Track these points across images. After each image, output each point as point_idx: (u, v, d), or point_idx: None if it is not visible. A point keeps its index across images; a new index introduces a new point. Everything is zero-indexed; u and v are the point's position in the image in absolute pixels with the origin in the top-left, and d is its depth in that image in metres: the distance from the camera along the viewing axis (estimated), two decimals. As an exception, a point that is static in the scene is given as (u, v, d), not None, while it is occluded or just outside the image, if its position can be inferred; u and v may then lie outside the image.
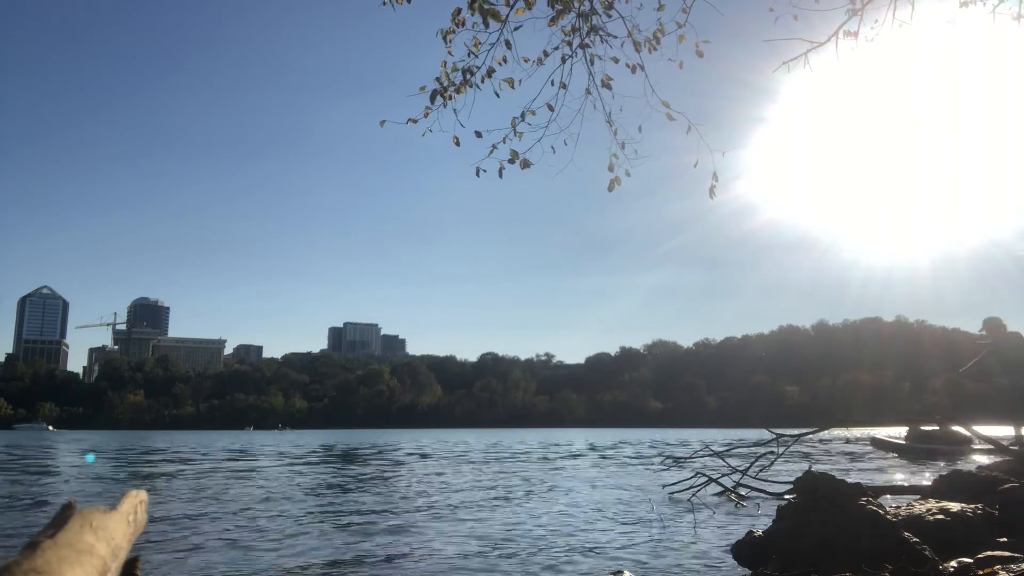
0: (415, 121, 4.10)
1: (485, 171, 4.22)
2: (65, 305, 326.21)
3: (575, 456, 12.39)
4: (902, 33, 3.91)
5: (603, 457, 12.06)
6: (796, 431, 5.66)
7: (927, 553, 2.21)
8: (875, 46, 4.02)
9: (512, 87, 4.07)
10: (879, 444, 12.47)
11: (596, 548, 3.09)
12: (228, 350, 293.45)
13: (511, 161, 4.17)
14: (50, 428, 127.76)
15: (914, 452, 11.62)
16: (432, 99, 4.07)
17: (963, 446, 11.83)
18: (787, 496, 3.79)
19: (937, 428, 13.15)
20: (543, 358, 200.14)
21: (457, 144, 4.09)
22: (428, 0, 3.99)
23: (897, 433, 13.30)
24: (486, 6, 3.84)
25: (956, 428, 12.61)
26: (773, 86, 4.71)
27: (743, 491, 5.05)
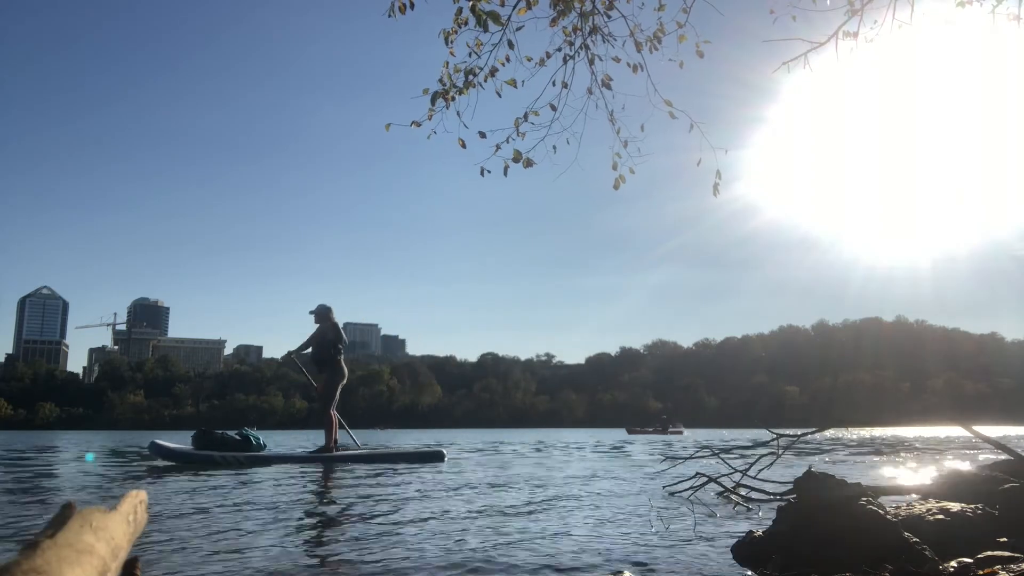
0: (419, 124, 4.10)
1: (490, 171, 4.22)
2: (65, 305, 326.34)
3: (574, 456, 12.41)
4: (902, 33, 3.93)
5: (602, 457, 12.07)
6: (796, 431, 5.66)
7: (927, 553, 2.21)
8: (875, 46, 4.03)
9: (515, 87, 4.07)
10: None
11: (594, 548, 3.09)
12: (228, 350, 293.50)
13: (515, 160, 4.17)
14: None
15: (197, 461, 9.32)
16: (433, 101, 4.07)
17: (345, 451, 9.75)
18: (787, 496, 3.79)
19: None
20: (543, 358, 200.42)
21: (463, 146, 4.08)
22: (428, 1, 3.98)
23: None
24: (486, 9, 3.84)
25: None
26: (773, 86, 4.73)
27: (743, 491, 5.06)
